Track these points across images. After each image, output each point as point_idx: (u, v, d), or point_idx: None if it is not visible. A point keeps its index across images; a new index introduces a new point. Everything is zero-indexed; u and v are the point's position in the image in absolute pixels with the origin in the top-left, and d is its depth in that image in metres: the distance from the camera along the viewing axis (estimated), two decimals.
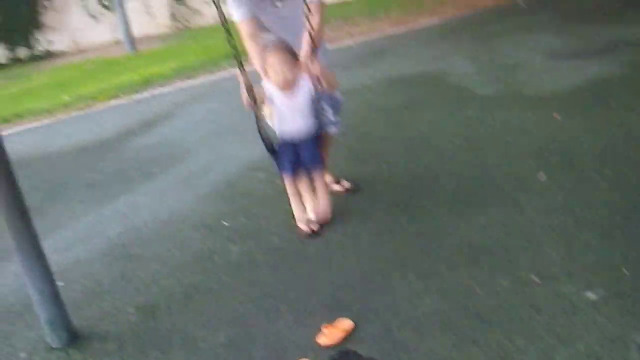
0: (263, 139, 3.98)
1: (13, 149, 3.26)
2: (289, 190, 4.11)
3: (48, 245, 3.56)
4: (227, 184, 5.19)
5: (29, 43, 20.56)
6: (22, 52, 20.69)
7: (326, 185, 4.16)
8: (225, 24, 3.77)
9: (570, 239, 3.42)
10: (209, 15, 17.65)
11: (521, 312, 2.92)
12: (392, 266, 3.50)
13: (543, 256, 3.31)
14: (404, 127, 5.68)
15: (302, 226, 4.12)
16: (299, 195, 4.14)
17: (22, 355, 3.46)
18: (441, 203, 4.11)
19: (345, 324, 3.06)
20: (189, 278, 3.86)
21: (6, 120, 10.03)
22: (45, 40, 20.36)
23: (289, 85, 3.81)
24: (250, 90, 3.79)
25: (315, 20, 3.91)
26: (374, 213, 4.17)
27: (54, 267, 3.47)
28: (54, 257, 4.05)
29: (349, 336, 2.99)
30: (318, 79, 3.80)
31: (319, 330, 3.05)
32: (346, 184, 4.62)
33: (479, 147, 4.89)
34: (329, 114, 4.31)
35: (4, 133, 8.73)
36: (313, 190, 4.10)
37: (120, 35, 16.86)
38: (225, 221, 4.51)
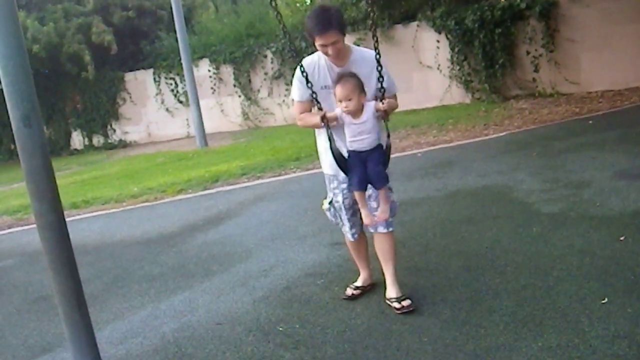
0: (334, 154, 4.31)
1: (79, 235, 3.38)
2: (358, 199, 4.42)
3: (102, 336, 3.61)
4: (285, 288, 5.19)
5: (106, 132, 21.34)
6: (98, 140, 21.45)
7: (388, 197, 4.43)
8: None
9: None
10: (280, 116, 18.09)
11: None
12: None
13: None
14: (466, 241, 5.63)
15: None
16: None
17: None
18: (500, 323, 4.02)
19: None
20: None
21: (75, 206, 10.33)
22: (121, 131, 21.10)
23: (356, 111, 4.19)
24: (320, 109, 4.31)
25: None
26: (431, 329, 4.10)
27: (106, 359, 3.50)
28: (107, 348, 4.09)
29: None
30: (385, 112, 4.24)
31: None
32: (406, 304, 4.45)
33: (541, 267, 4.79)
34: (377, 213, 4.50)
35: (72, 219, 8.98)
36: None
37: (192, 130, 17.36)
38: (280, 326, 4.49)
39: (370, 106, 4.21)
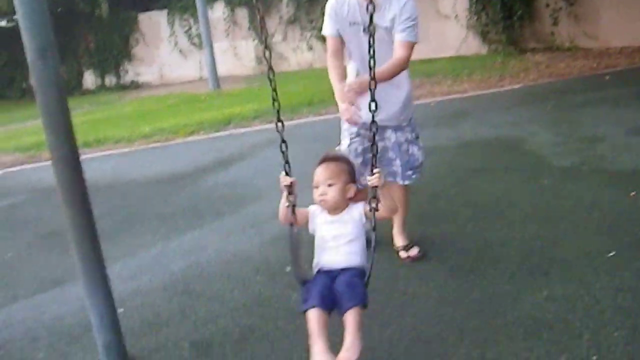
0: (295, 264, 3.26)
1: (90, 174, 3.38)
2: (310, 328, 2.90)
3: (112, 272, 3.64)
4: None
5: (118, 73, 21.29)
6: (110, 80, 21.41)
7: (360, 325, 2.86)
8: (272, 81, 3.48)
9: (636, 321, 3.31)
10: (294, 61, 17.98)
11: None
12: (450, 331, 3.46)
13: (606, 337, 3.22)
14: (476, 191, 5.64)
15: None
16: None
17: None
18: (506, 272, 4.05)
19: None
20: (246, 320, 3.89)
21: (87, 145, 10.36)
22: (134, 72, 21.03)
23: (336, 207, 3.17)
24: (290, 199, 3.28)
25: (397, 54, 4.04)
26: (437, 275, 4.13)
27: (115, 294, 3.55)
28: (117, 284, 4.15)
29: None
30: (374, 197, 3.09)
31: None
32: (414, 253, 4.47)
33: (549, 219, 4.81)
34: (396, 165, 4.34)
35: (84, 157, 9.02)
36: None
37: (205, 73, 17.29)
38: (288, 267, 4.53)
39: (357, 208, 3.16)
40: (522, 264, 4.13)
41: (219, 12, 18.75)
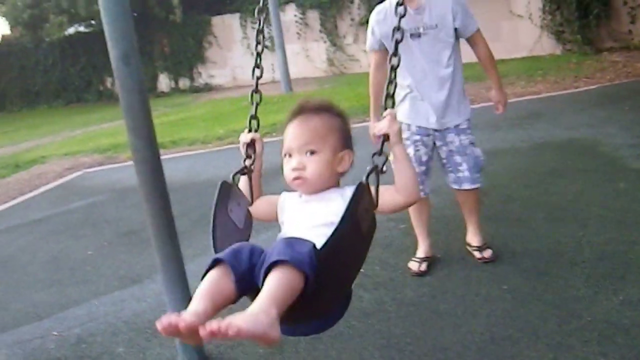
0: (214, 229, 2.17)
1: (166, 174, 3.48)
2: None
3: (189, 270, 3.74)
4: None
5: (192, 75, 21.66)
6: (184, 83, 21.80)
7: (279, 299, 1.64)
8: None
9: None
10: (365, 62, 17.99)
11: None
12: (523, 333, 3.45)
13: None
14: (550, 193, 5.58)
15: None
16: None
17: None
18: (580, 275, 4.01)
19: None
20: None
21: (163, 147, 10.55)
22: (207, 74, 21.37)
23: (319, 189, 2.11)
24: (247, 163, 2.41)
25: (481, 50, 4.20)
26: (510, 277, 4.12)
27: (192, 291, 3.64)
28: (193, 281, 4.22)
29: None
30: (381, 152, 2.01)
31: None
32: (487, 255, 4.44)
33: (625, 222, 4.72)
34: (463, 168, 4.28)
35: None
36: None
37: (278, 75, 17.45)
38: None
39: (345, 193, 2.03)
40: (597, 267, 4.08)
41: (290, 14, 18.91)
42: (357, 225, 1.84)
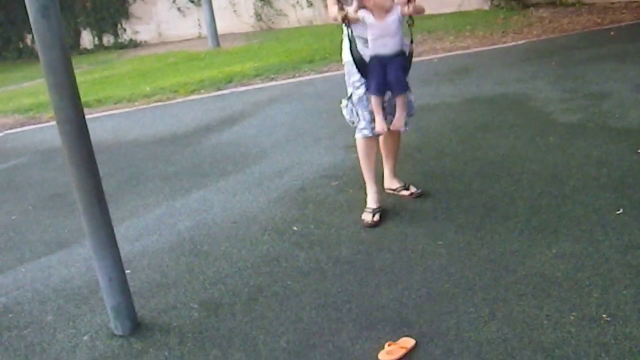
0: (354, 57, 4.23)
1: (92, 135, 3.34)
2: (373, 105, 4.27)
3: (118, 233, 3.64)
4: (300, 190, 5.21)
5: (116, 31, 21.06)
6: (108, 39, 21.21)
7: (405, 105, 4.34)
8: None
9: None
10: (294, 18, 17.79)
11: (587, 349, 2.86)
12: (460, 289, 3.47)
13: (615, 294, 3.23)
14: (482, 148, 5.60)
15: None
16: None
17: (85, 338, 3.55)
18: (514, 229, 4.05)
19: (407, 343, 3.04)
20: (254, 279, 3.89)
21: (87, 105, 10.26)
22: (131, 30, 20.80)
23: (384, 10, 4.05)
24: (342, 9, 4.11)
25: None
26: (445, 233, 4.12)
27: (122, 255, 3.54)
28: (123, 245, 4.15)
29: (410, 355, 2.97)
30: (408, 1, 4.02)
31: (381, 345, 3.04)
32: (414, 190, 4.72)
33: (557, 176, 4.78)
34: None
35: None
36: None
37: (204, 30, 17.11)
38: (295, 226, 4.53)
39: (397, 8, 4.06)
40: (530, 221, 4.12)
41: None
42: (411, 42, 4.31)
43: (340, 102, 4.55)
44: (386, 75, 4.14)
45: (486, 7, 14.67)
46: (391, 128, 4.37)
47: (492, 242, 3.92)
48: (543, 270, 3.53)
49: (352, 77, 4.36)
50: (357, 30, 4.17)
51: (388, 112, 4.39)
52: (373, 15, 4.06)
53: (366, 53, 4.19)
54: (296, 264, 3.99)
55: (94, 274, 3.62)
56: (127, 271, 3.80)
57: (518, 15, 13.06)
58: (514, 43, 10.68)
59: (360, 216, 4.49)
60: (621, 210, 4.10)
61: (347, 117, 4.53)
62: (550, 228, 4.00)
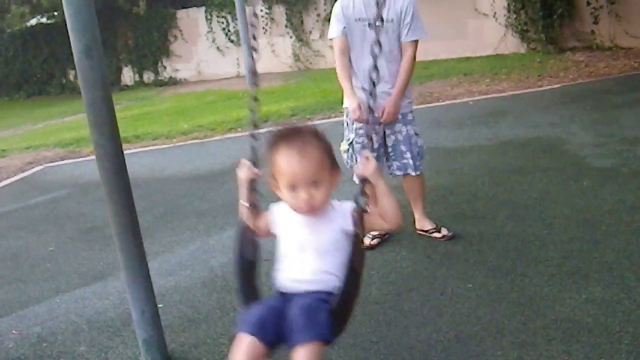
0: (243, 283, 2.69)
1: (129, 170, 3.42)
2: None
3: (152, 267, 3.69)
4: None
5: (156, 69, 21.46)
6: (148, 76, 21.60)
7: None
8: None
9: None
10: (331, 58, 17.96)
11: None
12: (488, 332, 3.46)
13: None
14: (514, 191, 5.61)
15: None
16: None
17: None
18: (545, 273, 4.03)
19: None
20: None
21: (126, 141, 10.46)
22: (172, 68, 21.20)
23: (313, 208, 2.39)
24: (252, 197, 2.73)
25: (406, 56, 4.46)
26: (476, 275, 4.12)
27: (154, 290, 3.60)
28: (157, 279, 4.21)
29: None
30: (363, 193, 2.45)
31: None
32: (445, 232, 4.77)
33: (589, 221, 4.76)
34: (407, 156, 4.65)
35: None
36: None
37: (243, 70, 17.38)
38: None
39: (344, 211, 2.45)
40: (561, 266, 4.11)
41: (256, 9, 18.82)
42: (357, 273, 2.39)
43: (340, 146, 4.72)
44: (279, 308, 2.37)
45: (522, 50, 14.74)
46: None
47: (522, 286, 3.91)
48: (573, 316, 3.51)
49: (355, 123, 4.62)
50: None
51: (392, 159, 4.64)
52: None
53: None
54: None
55: (127, 307, 3.68)
56: (160, 305, 3.85)
57: (554, 59, 13.09)
58: (549, 87, 10.69)
59: (391, 257, 4.55)
60: None
61: (347, 161, 4.75)
62: (581, 273, 3.98)
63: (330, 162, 2.40)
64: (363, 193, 2.40)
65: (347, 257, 2.34)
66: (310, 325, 2.18)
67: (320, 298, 2.31)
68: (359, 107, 4.43)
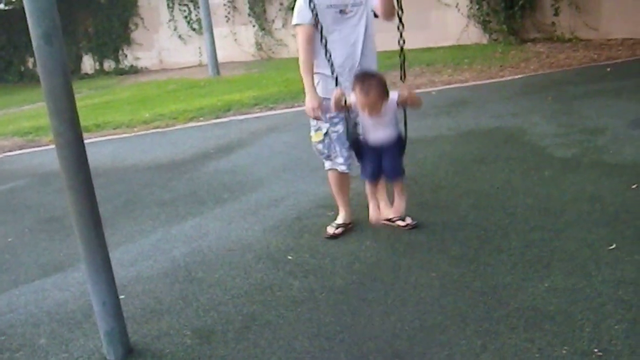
0: (351, 141, 4.29)
1: (90, 159, 3.38)
2: (367, 190, 4.35)
3: (113, 258, 3.65)
4: (296, 219, 5.23)
5: (117, 57, 21.19)
6: (109, 65, 21.33)
7: (403, 191, 4.28)
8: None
9: (637, 314, 3.33)
10: (294, 48, 17.90)
11: None
12: (452, 320, 3.48)
13: (607, 329, 3.24)
14: (477, 181, 5.64)
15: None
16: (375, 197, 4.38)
17: None
18: (507, 262, 4.07)
19: None
20: (248, 308, 3.90)
21: (87, 130, 10.31)
22: (133, 56, 20.94)
23: (378, 115, 3.95)
24: (341, 97, 4.04)
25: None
26: (439, 264, 4.15)
27: (116, 281, 3.55)
28: (118, 270, 4.15)
29: None
30: (406, 101, 4.01)
31: None
32: (409, 221, 4.78)
33: (551, 210, 4.81)
34: None
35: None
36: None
37: (205, 58, 17.24)
38: (290, 255, 4.55)
39: (392, 101, 3.99)
40: (523, 255, 4.14)
41: None
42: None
43: (312, 137, 4.70)
44: (381, 161, 4.13)
45: (484, 41, 14.81)
46: (392, 216, 4.57)
47: (485, 275, 3.94)
48: (535, 304, 3.55)
49: (330, 112, 4.49)
50: (352, 114, 4.23)
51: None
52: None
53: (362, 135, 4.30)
54: (290, 293, 4.00)
55: (88, 299, 3.63)
56: (121, 296, 3.81)
57: (516, 50, 13.19)
58: (511, 77, 10.78)
59: (354, 247, 4.56)
60: (614, 246, 4.13)
61: (322, 151, 4.74)
62: (543, 262, 4.02)
63: (385, 94, 3.91)
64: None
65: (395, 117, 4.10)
66: (396, 172, 4.18)
67: (396, 146, 4.11)
68: (319, 106, 4.43)
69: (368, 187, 4.29)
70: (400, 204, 4.29)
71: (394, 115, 4.08)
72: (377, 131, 4.07)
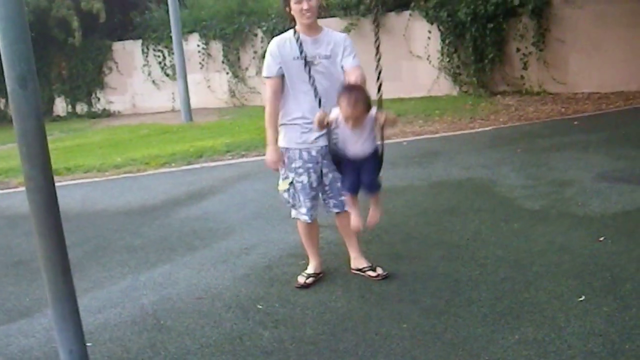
0: (332, 153, 4.44)
1: (60, 202, 3.35)
2: (347, 201, 4.51)
3: (81, 304, 3.61)
4: (266, 267, 5.21)
5: (90, 100, 21.13)
6: (81, 107, 21.25)
7: (379, 202, 4.47)
8: None
9: None
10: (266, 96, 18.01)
11: None
12: None
13: None
14: (447, 232, 5.68)
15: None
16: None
17: None
18: (478, 314, 4.08)
19: None
20: (217, 357, 3.86)
21: (57, 173, 10.19)
22: (105, 100, 20.89)
23: (361, 126, 4.14)
24: (323, 118, 4.16)
25: (358, 71, 4.39)
26: (410, 315, 4.14)
27: (84, 327, 3.50)
28: (85, 316, 4.09)
29: None
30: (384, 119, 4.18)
31: None
32: (380, 271, 4.80)
33: (520, 262, 4.85)
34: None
35: None
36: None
37: (178, 104, 17.26)
38: (260, 304, 4.52)
39: (371, 115, 4.15)
40: (493, 306, 4.16)
41: (193, 44, 18.76)
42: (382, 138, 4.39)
43: (279, 186, 4.79)
44: (359, 175, 4.28)
45: (455, 92, 15.04)
46: (367, 223, 4.48)
47: (456, 326, 3.95)
48: (506, 356, 3.56)
49: (294, 163, 4.62)
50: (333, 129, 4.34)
51: (330, 196, 4.78)
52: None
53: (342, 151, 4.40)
54: (259, 343, 3.97)
55: (54, 345, 3.58)
56: (88, 344, 3.74)
57: (485, 102, 13.41)
58: (481, 129, 10.93)
59: (325, 297, 4.55)
60: (583, 297, 4.17)
61: (287, 200, 4.81)
62: (513, 314, 4.04)
63: (368, 108, 4.07)
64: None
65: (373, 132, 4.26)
66: (374, 187, 4.35)
67: (373, 160, 4.29)
68: (278, 160, 4.59)
69: (348, 199, 4.44)
70: (375, 214, 4.41)
71: (373, 129, 4.23)
72: (356, 144, 4.21)
